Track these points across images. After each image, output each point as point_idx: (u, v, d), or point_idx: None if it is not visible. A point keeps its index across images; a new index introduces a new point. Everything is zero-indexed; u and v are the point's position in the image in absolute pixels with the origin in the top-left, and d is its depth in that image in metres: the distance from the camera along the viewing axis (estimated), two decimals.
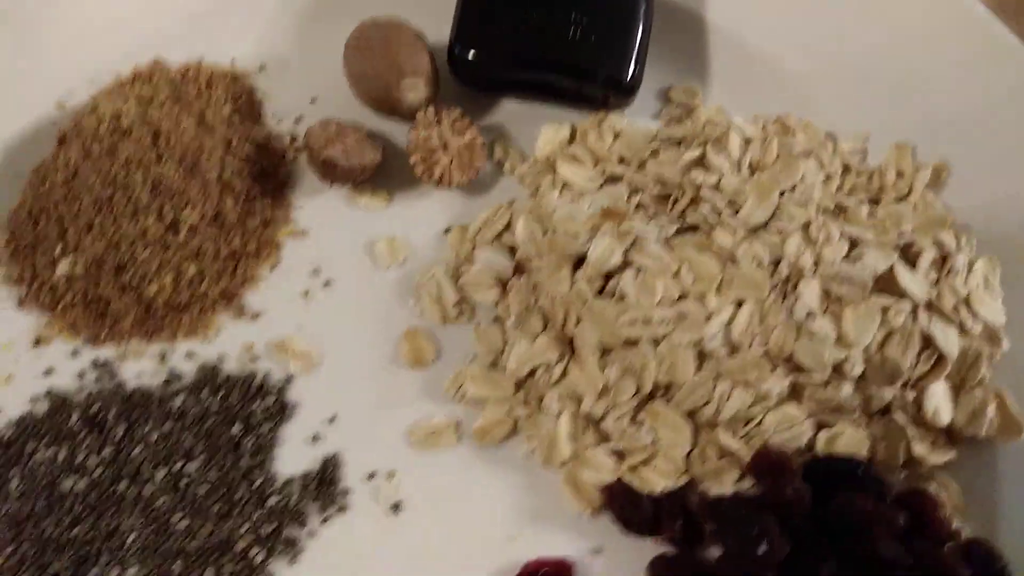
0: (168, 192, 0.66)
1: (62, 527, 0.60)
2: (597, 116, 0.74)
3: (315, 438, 0.65)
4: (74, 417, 0.64)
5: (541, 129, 0.74)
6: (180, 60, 0.76)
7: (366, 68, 0.70)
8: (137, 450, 0.62)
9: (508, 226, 0.71)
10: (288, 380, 0.66)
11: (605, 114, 0.74)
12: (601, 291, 0.65)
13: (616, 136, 0.74)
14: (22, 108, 0.73)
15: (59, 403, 0.65)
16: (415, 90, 0.70)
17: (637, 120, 0.74)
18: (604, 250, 0.64)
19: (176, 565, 0.59)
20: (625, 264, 0.64)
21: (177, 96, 0.71)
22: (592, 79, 0.70)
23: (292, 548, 0.61)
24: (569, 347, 0.65)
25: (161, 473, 0.61)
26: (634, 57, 0.71)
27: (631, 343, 0.63)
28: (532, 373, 0.66)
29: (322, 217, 0.72)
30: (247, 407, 0.64)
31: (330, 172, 0.69)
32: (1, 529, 0.60)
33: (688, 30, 0.77)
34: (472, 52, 0.71)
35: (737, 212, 0.66)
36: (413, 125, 0.71)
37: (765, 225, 0.65)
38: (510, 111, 0.76)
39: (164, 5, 0.77)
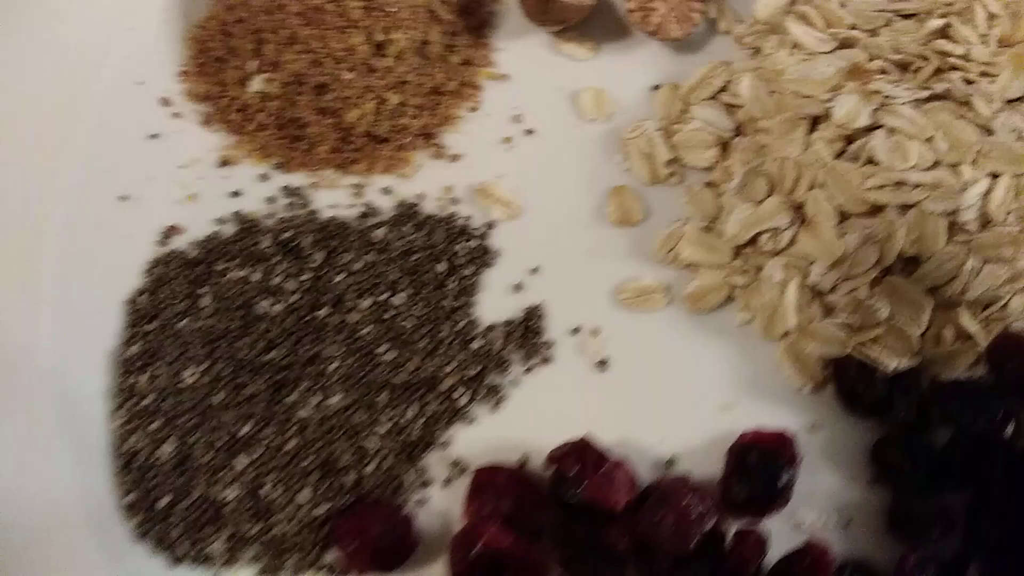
0: (380, 11, 0.60)
1: (257, 349, 0.56)
2: None
3: (517, 287, 0.60)
4: (265, 241, 0.59)
5: None
6: None
7: None
8: (339, 278, 0.58)
9: (724, 88, 0.65)
10: (490, 226, 0.61)
11: None
12: (839, 156, 0.59)
13: (841, 4, 0.67)
14: None
15: (249, 225, 0.60)
16: None
17: None
18: (851, 110, 0.59)
19: (381, 397, 0.54)
20: (872, 127, 0.59)
21: None
22: None
23: (495, 395, 0.57)
24: (798, 214, 0.60)
25: (366, 303, 0.57)
26: None
27: (875, 210, 0.57)
28: (753, 240, 0.60)
29: (524, 62, 0.67)
30: (451, 247, 0.59)
31: (544, 8, 0.64)
32: (194, 345, 0.55)
33: None
34: None
35: (991, 84, 0.60)
36: None
37: (1020, 100, 0.59)
38: None
39: None
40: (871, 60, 0.64)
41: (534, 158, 0.64)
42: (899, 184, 0.57)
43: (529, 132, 0.65)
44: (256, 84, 0.62)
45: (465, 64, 0.65)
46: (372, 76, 0.62)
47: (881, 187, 0.58)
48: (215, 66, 0.63)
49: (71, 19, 0.64)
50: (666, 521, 0.51)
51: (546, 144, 0.65)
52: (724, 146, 0.65)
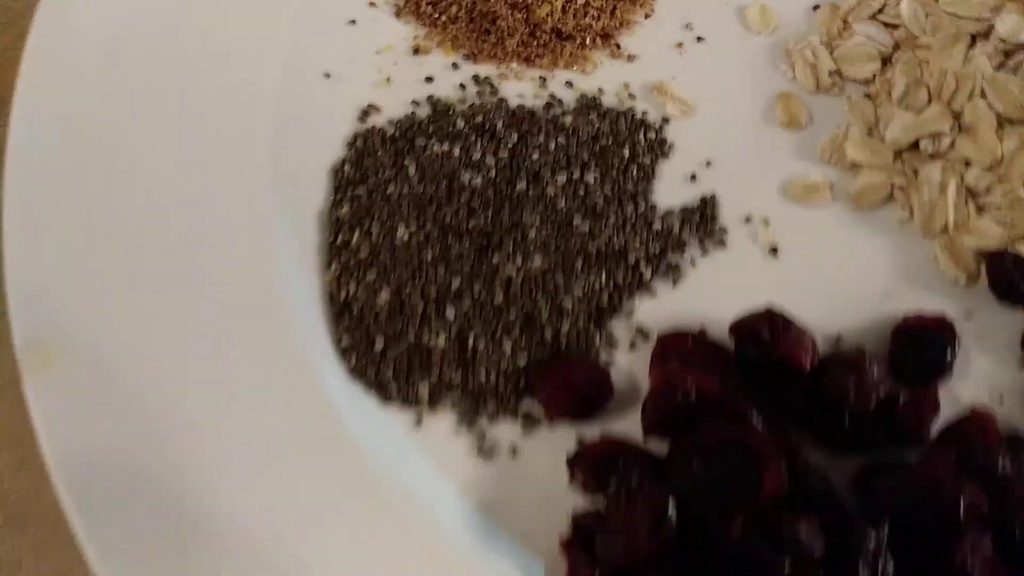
0: None
1: (462, 215, 0.60)
2: None
3: (692, 177, 0.64)
4: (460, 122, 0.63)
5: None
6: None
7: None
8: (535, 155, 0.61)
9: (882, 9, 0.70)
10: (665, 120, 0.65)
11: None
12: (1001, 66, 0.64)
13: None
14: None
15: (443, 108, 0.64)
16: None
17: None
18: (1013, 27, 0.63)
19: (577, 263, 0.58)
20: None
21: None
22: None
23: (675, 272, 0.61)
24: (956, 121, 0.64)
25: (562, 178, 0.61)
26: None
27: None
28: (914, 144, 0.64)
29: None
30: (632, 136, 0.63)
31: None
32: (403, 207, 0.59)
33: None
34: None
35: None
36: None
37: None
38: None
39: None
40: None
41: (704, 63, 0.68)
42: None
43: (699, 39, 0.69)
44: None
45: None
46: None
47: None
48: None
49: None
50: (849, 381, 0.54)
51: (715, 51, 0.69)
52: (884, 61, 0.68)
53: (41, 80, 0.61)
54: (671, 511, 0.48)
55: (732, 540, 0.48)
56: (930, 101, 0.65)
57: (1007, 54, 0.65)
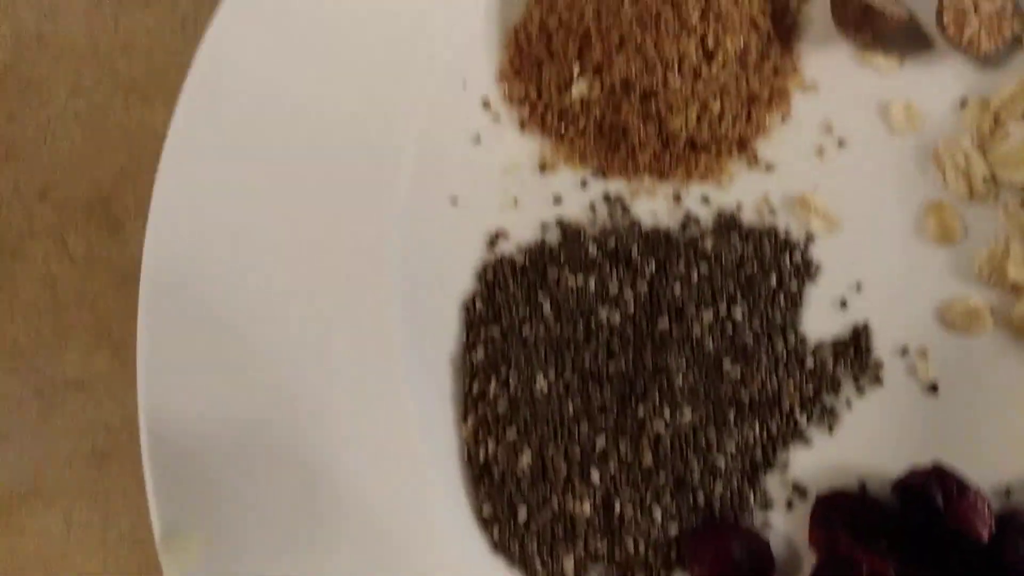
0: (716, 16, 0.60)
1: (601, 361, 0.56)
2: None
3: (843, 303, 0.59)
4: (592, 249, 0.59)
5: None
6: None
7: None
8: (676, 289, 0.57)
9: None
10: (810, 239, 0.61)
11: None
12: None
13: None
14: None
15: (574, 233, 0.60)
16: None
17: None
18: None
19: (729, 414, 0.54)
20: None
21: None
22: None
23: (831, 416, 0.57)
24: None
25: (708, 315, 0.57)
26: None
27: None
28: None
29: (830, 72, 0.66)
30: (778, 260, 0.59)
31: (866, 23, 0.63)
32: (540, 352, 0.56)
33: None
34: None
35: None
36: None
37: None
38: None
39: None
40: None
41: (847, 170, 0.64)
42: None
43: (840, 143, 0.64)
44: (579, 88, 0.61)
45: (776, 72, 0.64)
46: (698, 82, 0.61)
47: None
48: (534, 68, 0.63)
49: (397, 19, 0.63)
50: None
51: (858, 156, 0.64)
52: None
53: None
54: None
55: None
56: None
57: None
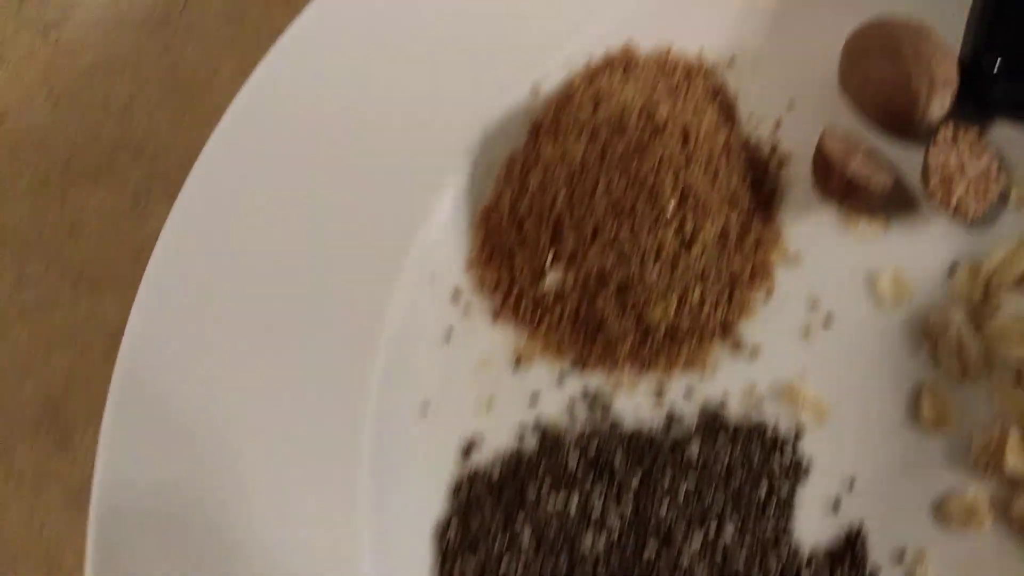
0: (694, 202, 0.57)
1: None
2: None
3: (835, 505, 0.56)
4: (572, 458, 0.55)
5: None
6: (647, 47, 0.66)
7: (888, 72, 0.61)
8: (663, 509, 0.54)
9: None
10: (799, 433, 0.58)
11: None
12: None
13: None
14: (496, 93, 0.63)
15: (553, 440, 0.57)
16: (943, 104, 0.61)
17: None
18: None
19: None
20: None
21: (669, 87, 0.61)
22: None
23: None
24: None
25: (698, 538, 0.53)
26: None
27: None
28: None
29: (814, 240, 0.63)
30: (767, 463, 0.55)
31: (850, 194, 0.60)
32: None
33: None
34: (1007, 65, 0.61)
35: None
36: (932, 141, 0.62)
37: None
38: (1001, 130, 0.66)
39: None
40: None
41: (836, 351, 0.61)
42: None
43: (827, 321, 0.61)
44: (553, 278, 0.58)
45: (758, 246, 0.61)
46: (677, 270, 0.58)
47: None
48: (505, 254, 0.59)
49: (369, 216, 0.59)
50: None
51: (846, 335, 0.61)
52: None
53: None
54: None
55: None
56: None
57: None
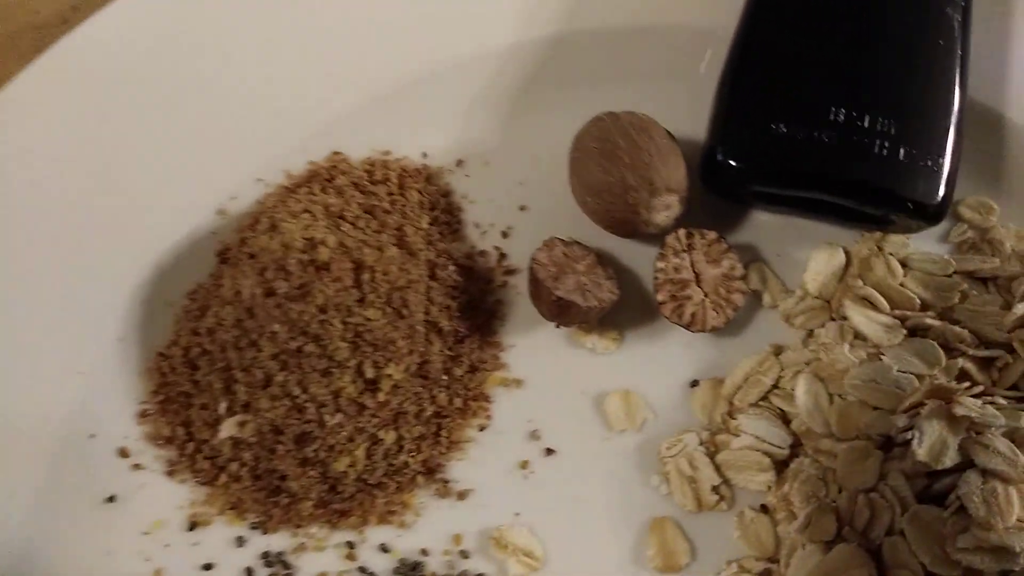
0: (371, 344, 0.50)
1: None
2: (873, 237, 0.58)
3: None
4: None
5: (809, 254, 0.57)
6: (361, 153, 0.59)
7: (605, 179, 0.55)
8: None
9: (777, 383, 0.55)
10: None
11: (883, 235, 0.58)
12: (926, 491, 0.49)
13: (904, 265, 0.57)
14: (175, 216, 0.57)
15: None
16: (668, 210, 0.54)
17: (921, 244, 0.59)
18: (933, 445, 0.49)
19: None
20: (963, 464, 0.48)
21: (369, 206, 0.55)
22: (899, 206, 0.54)
23: None
24: (875, 562, 0.49)
25: None
26: (948, 176, 0.54)
27: (972, 573, 0.47)
28: None
29: (539, 361, 0.57)
30: None
31: (563, 314, 0.54)
32: None
33: (980, 127, 0.61)
34: (740, 161, 0.55)
35: None
36: (660, 253, 0.55)
37: None
38: (761, 224, 0.61)
39: (340, 84, 0.61)
40: (949, 353, 0.52)
41: (556, 486, 0.55)
42: (998, 548, 0.46)
43: (549, 452, 0.55)
44: (228, 428, 0.51)
45: (472, 372, 0.55)
46: (362, 416, 0.51)
47: (977, 548, 0.46)
48: (180, 402, 0.53)
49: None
50: None
51: (569, 467, 0.55)
52: (781, 463, 0.53)
53: None
54: None
55: None
56: (841, 529, 0.50)
57: (931, 475, 0.49)
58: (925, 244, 0.59)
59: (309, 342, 0.50)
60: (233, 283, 0.53)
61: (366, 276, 0.52)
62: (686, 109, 0.58)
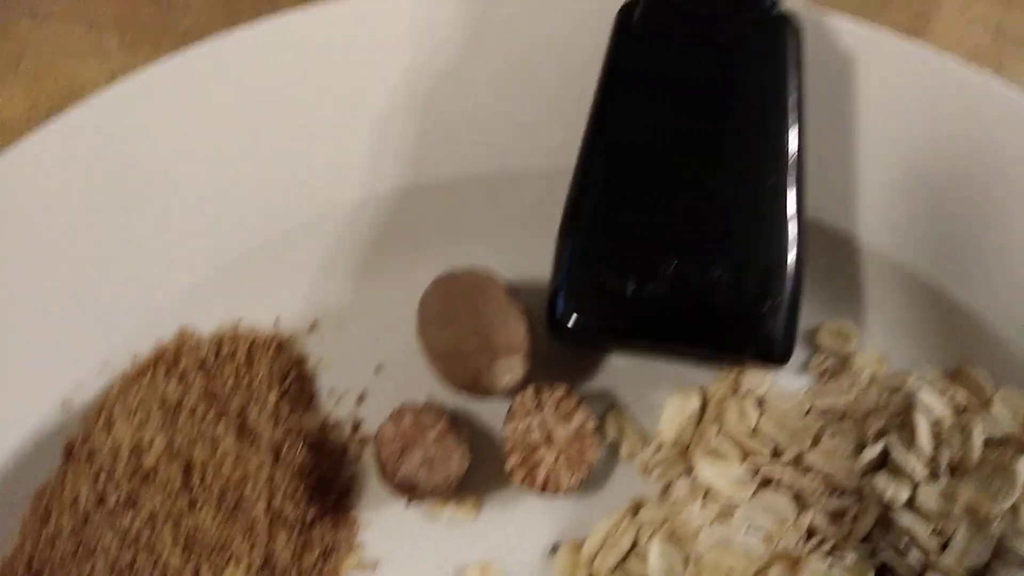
0: (205, 548, 0.49)
1: None
2: (730, 376, 0.57)
3: None
4: None
5: (664, 400, 0.57)
6: (211, 324, 0.58)
7: (448, 344, 0.55)
8: None
9: (635, 545, 0.54)
10: None
11: (740, 372, 0.57)
12: None
13: (760, 405, 0.56)
14: (18, 412, 0.56)
15: None
16: (511, 372, 0.54)
17: (782, 375, 0.58)
18: None
19: None
20: None
21: (211, 392, 0.54)
22: (739, 352, 0.53)
23: None
24: None
25: None
26: (789, 320, 0.53)
27: None
28: None
29: (395, 538, 0.56)
30: None
31: (408, 493, 0.53)
32: None
33: (830, 249, 0.61)
34: (578, 316, 0.54)
35: (944, 545, 0.49)
36: (508, 416, 0.54)
37: (987, 568, 0.48)
38: (616, 368, 0.61)
39: (186, 255, 0.61)
40: (800, 506, 0.52)
41: None
42: None
43: None
44: None
45: (324, 558, 0.53)
46: None
47: None
48: None
49: None
50: None
51: None
52: None
53: None
54: None
55: None
56: None
57: None
58: (785, 375, 0.57)
59: (140, 552, 0.49)
60: (73, 487, 0.52)
61: (196, 477, 0.50)
62: (540, 254, 0.57)
